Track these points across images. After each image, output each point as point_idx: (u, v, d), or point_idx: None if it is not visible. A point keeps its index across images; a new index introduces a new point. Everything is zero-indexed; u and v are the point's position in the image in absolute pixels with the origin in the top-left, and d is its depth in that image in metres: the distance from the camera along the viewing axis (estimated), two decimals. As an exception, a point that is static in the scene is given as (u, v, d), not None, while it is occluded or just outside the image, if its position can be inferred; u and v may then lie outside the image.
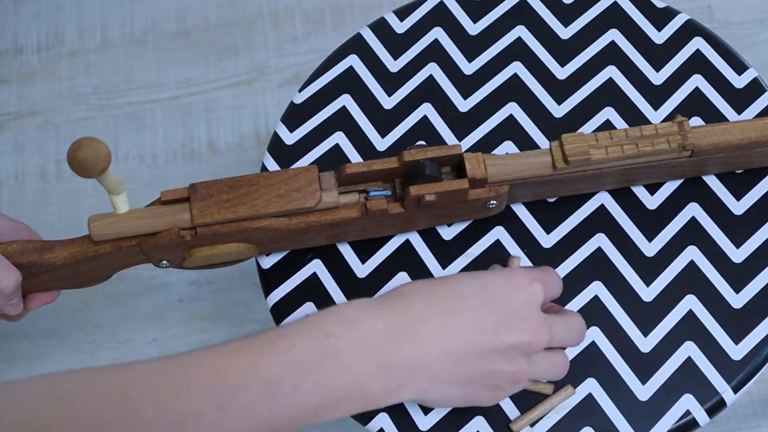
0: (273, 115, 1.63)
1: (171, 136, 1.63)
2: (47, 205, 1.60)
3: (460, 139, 0.96)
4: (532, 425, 0.85)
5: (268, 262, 0.92)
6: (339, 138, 0.97)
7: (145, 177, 1.60)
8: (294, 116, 0.99)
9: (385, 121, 0.98)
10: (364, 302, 0.73)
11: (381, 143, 0.97)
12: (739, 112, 0.94)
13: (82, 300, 1.52)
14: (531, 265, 0.90)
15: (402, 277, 0.91)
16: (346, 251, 0.92)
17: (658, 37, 0.99)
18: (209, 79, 1.67)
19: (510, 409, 0.86)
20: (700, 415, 0.85)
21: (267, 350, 0.69)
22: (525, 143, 0.95)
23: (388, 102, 0.99)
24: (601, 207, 0.92)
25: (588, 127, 0.95)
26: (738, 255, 0.89)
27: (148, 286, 1.54)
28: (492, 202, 0.87)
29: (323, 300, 0.91)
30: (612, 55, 0.98)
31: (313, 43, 1.68)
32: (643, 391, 0.85)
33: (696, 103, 0.95)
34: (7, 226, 0.88)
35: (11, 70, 1.71)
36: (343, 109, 0.99)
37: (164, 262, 0.88)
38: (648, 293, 0.89)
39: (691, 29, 0.99)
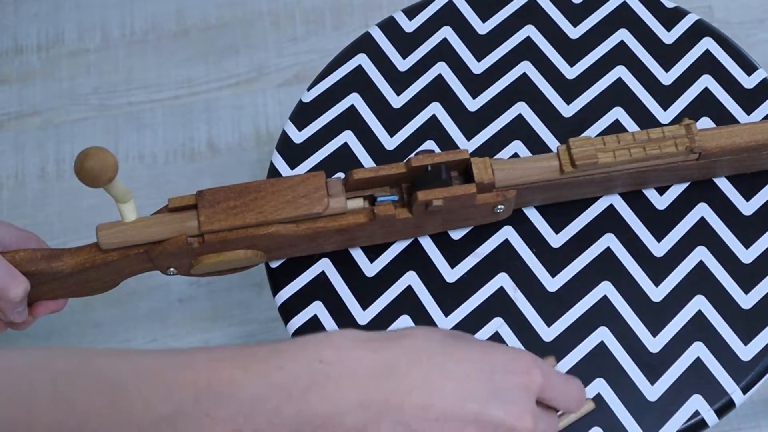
0: (273, 115, 1.63)
1: (171, 136, 1.63)
2: (47, 205, 1.60)
3: (468, 138, 0.96)
4: None
5: (276, 260, 0.92)
6: (347, 137, 0.97)
7: (145, 177, 1.60)
8: (302, 115, 0.99)
9: (393, 120, 0.98)
10: (360, 333, 0.71)
11: (390, 142, 0.97)
12: (749, 113, 0.94)
13: (82, 300, 1.51)
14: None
15: (410, 276, 0.91)
16: (355, 250, 0.92)
17: (668, 37, 0.99)
18: (209, 79, 1.67)
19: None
20: (709, 415, 0.84)
21: (258, 367, 0.68)
22: (534, 143, 0.95)
23: (396, 101, 0.98)
24: (610, 207, 0.92)
25: (597, 127, 0.95)
26: (747, 256, 0.89)
27: (148, 286, 1.54)
28: (500, 206, 0.87)
29: (332, 299, 0.91)
30: (621, 55, 0.98)
31: (313, 43, 1.68)
32: (652, 392, 0.85)
33: (705, 104, 0.95)
34: (16, 235, 0.88)
35: (11, 70, 1.70)
36: (352, 108, 0.99)
37: (172, 269, 0.88)
38: (657, 293, 0.89)
39: (700, 29, 0.99)
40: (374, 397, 0.69)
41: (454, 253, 0.91)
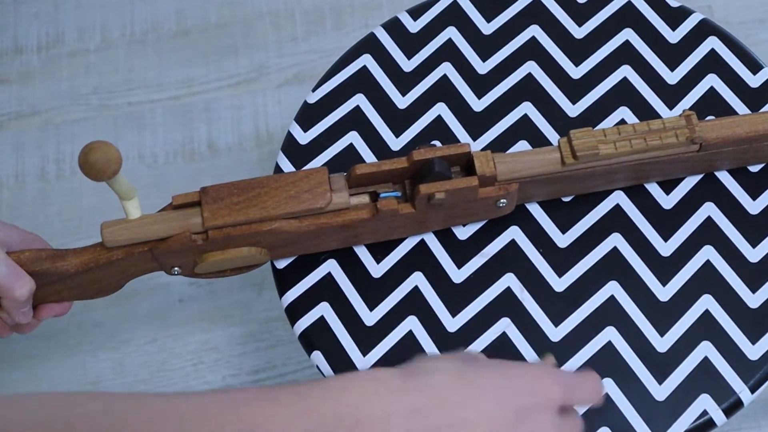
0: (273, 115, 1.63)
1: (171, 136, 1.63)
2: (47, 205, 1.59)
3: (474, 138, 0.96)
4: None
5: (282, 261, 0.92)
6: (353, 138, 0.97)
7: (145, 177, 1.59)
8: (308, 116, 0.99)
9: (399, 120, 0.98)
10: (389, 373, 0.71)
11: (395, 143, 0.96)
12: (755, 112, 0.94)
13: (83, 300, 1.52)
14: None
15: (417, 277, 0.91)
16: (361, 251, 0.92)
17: (673, 36, 0.99)
18: (209, 79, 1.67)
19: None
20: (717, 415, 0.84)
21: (284, 411, 0.67)
22: (539, 143, 0.95)
23: (402, 101, 0.98)
24: (617, 207, 0.92)
25: (602, 127, 0.95)
26: (754, 255, 0.89)
27: (148, 286, 1.54)
28: (502, 200, 0.87)
29: (338, 300, 0.91)
30: (626, 54, 0.98)
31: (313, 43, 1.68)
32: (660, 391, 0.85)
33: (711, 103, 0.95)
34: (20, 237, 0.88)
35: (11, 70, 1.70)
36: (357, 109, 0.98)
37: (176, 268, 0.88)
38: (664, 293, 0.89)
39: (705, 28, 0.99)
40: None
41: (461, 253, 0.91)
